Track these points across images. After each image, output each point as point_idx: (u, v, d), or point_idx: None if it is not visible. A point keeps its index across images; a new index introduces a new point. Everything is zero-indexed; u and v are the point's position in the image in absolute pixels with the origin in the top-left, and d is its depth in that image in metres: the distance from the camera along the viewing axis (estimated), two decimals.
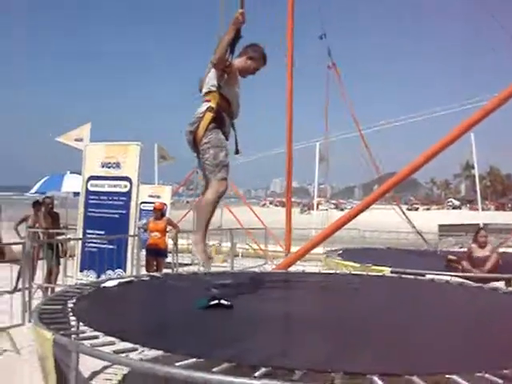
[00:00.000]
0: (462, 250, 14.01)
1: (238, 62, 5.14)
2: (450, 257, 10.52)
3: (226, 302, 4.59)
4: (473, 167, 29.36)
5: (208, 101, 5.01)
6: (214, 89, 5.02)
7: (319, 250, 12.11)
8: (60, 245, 11.11)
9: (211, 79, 5.05)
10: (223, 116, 5.04)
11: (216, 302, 4.59)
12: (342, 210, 68.52)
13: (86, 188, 10.72)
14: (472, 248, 9.78)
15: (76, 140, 14.67)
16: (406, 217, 18.57)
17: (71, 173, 17.45)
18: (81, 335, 3.62)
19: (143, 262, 11.69)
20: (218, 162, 4.90)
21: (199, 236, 5.02)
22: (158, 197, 16.74)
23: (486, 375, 2.85)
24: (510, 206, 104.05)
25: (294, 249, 11.38)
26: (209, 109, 4.96)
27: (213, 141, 4.91)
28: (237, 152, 5.22)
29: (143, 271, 11.05)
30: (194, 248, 5.11)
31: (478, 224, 22.65)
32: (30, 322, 7.12)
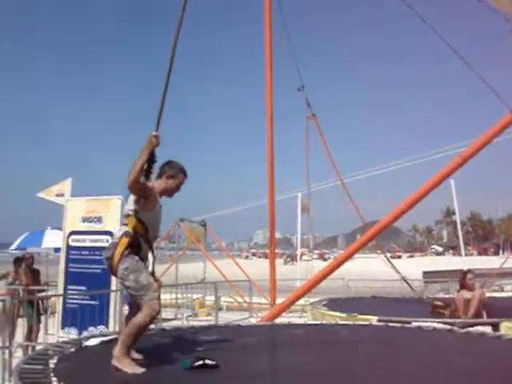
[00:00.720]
0: (447, 296, 13.98)
1: (159, 184, 5.02)
2: (436, 303, 10.47)
3: (210, 362, 4.48)
4: (454, 213, 29.60)
5: (125, 224, 4.89)
6: (131, 213, 4.87)
7: (303, 301, 12.02)
8: (41, 302, 10.90)
9: (130, 202, 4.91)
10: (140, 241, 4.87)
11: (200, 362, 4.50)
12: (325, 259, 68.49)
13: (67, 243, 10.58)
14: (461, 293, 9.63)
15: (57, 195, 14.55)
16: (392, 264, 18.59)
17: (52, 228, 17.28)
18: None
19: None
20: (141, 285, 4.72)
21: (121, 351, 4.70)
22: None
23: None
24: (492, 250, 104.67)
25: (278, 301, 11.25)
26: (125, 234, 4.82)
27: (131, 267, 4.74)
28: (152, 274, 5.00)
29: None
30: (117, 364, 4.66)
31: (461, 269, 22.71)
32: (9, 381, 6.91)
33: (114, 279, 9.92)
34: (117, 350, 4.72)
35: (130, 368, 4.62)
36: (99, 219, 10.24)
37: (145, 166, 4.77)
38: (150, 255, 5.05)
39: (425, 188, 9.12)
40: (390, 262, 18.38)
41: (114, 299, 9.90)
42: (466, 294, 9.45)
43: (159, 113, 5.20)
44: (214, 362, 4.47)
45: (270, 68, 12.28)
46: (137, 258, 4.82)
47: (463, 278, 9.84)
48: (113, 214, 10.16)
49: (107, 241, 10.00)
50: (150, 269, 5.02)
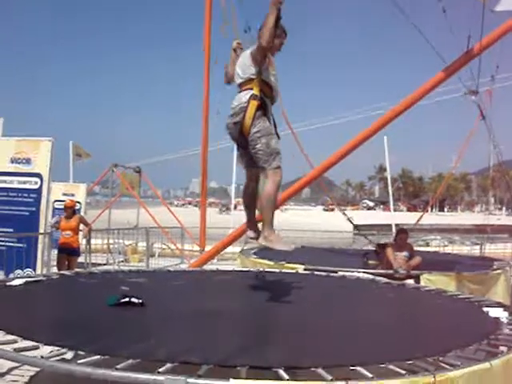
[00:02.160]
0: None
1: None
2: (381, 242, 10.65)
3: (136, 300, 4.52)
4: (386, 170, 30.21)
5: (249, 88, 4.87)
6: (253, 76, 4.88)
7: (236, 249, 12.17)
8: None
9: (247, 67, 4.92)
10: (267, 102, 4.92)
11: (127, 299, 4.53)
12: None
13: None
14: (389, 248, 9.61)
15: None
16: (347, 217, 18.94)
17: None
18: None
19: (55, 262, 11.35)
20: (271, 150, 4.77)
21: (268, 230, 4.80)
22: (73, 195, 16.30)
23: (391, 366, 2.94)
24: (421, 207, 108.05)
25: (209, 248, 11.35)
26: (252, 96, 4.82)
27: (263, 129, 4.79)
28: (277, 137, 5.03)
29: (54, 271, 10.73)
30: (269, 244, 4.82)
31: (390, 224, 23.46)
32: None
33: (42, 222, 9.80)
34: (264, 230, 4.83)
35: (281, 244, 4.84)
36: (28, 161, 9.97)
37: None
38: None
39: (356, 140, 9.29)
40: (343, 213, 18.73)
41: (42, 242, 9.76)
42: (398, 255, 9.52)
43: None
44: (140, 301, 4.51)
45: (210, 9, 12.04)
46: (267, 120, 4.88)
47: (396, 236, 9.99)
48: (42, 156, 9.91)
49: (36, 183, 9.84)
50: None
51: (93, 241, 12.87)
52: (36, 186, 9.87)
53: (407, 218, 40.02)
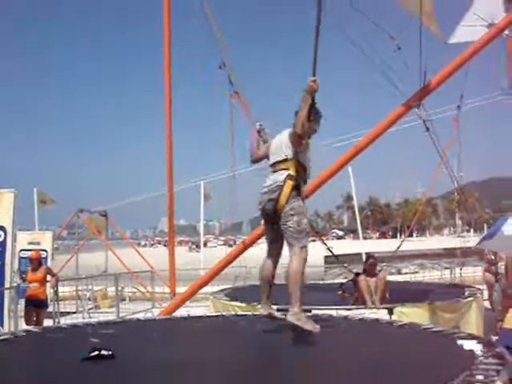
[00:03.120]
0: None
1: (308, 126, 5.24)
2: (357, 271, 10.62)
3: (106, 352, 4.45)
4: (353, 199, 30.51)
5: (285, 169, 5.17)
6: (290, 157, 5.19)
7: (208, 289, 12.04)
8: None
9: (283, 147, 5.25)
10: (300, 183, 5.21)
11: (96, 353, 4.45)
12: (230, 246, 68.95)
13: None
14: (364, 279, 9.49)
15: None
16: (327, 247, 18.87)
17: None
18: None
19: (22, 313, 11.10)
20: (302, 228, 5.07)
21: (297, 308, 5.04)
22: (38, 243, 16.00)
23: None
24: (390, 234, 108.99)
25: (182, 289, 11.22)
26: (289, 177, 5.11)
27: (296, 208, 5.06)
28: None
29: (22, 323, 10.49)
30: (296, 320, 5.02)
31: (360, 253, 23.54)
32: None
33: (8, 276, 9.61)
34: (293, 307, 5.04)
35: (310, 325, 5.03)
36: None
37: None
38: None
39: (323, 176, 9.37)
40: (324, 243, 18.69)
41: (9, 296, 9.55)
42: (369, 281, 9.51)
43: (314, 59, 5.29)
44: (109, 352, 4.45)
45: (169, 42, 11.99)
46: (301, 200, 5.18)
47: (365, 263, 9.95)
48: (5, 208, 9.79)
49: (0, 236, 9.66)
50: None
51: (61, 288, 12.66)
52: (0, 240, 9.69)
53: (377, 245, 40.40)
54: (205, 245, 29.25)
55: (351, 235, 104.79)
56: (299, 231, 5.06)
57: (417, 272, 23.03)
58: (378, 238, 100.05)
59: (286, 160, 5.23)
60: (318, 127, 5.50)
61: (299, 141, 5.19)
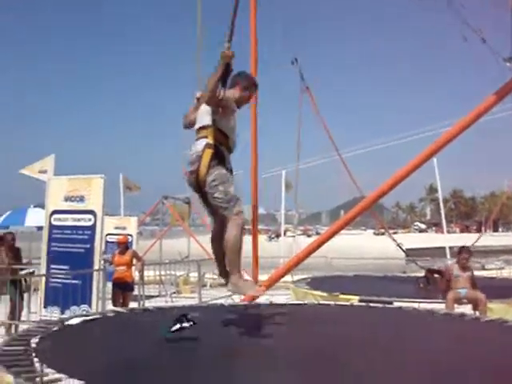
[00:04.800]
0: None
1: (232, 93, 5.02)
2: (432, 268, 10.44)
3: (187, 324, 4.53)
4: (437, 190, 29.74)
5: (204, 137, 4.90)
6: (209, 123, 4.92)
7: (288, 277, 12.09)
8: (24, 280, 10.91)
9: (204, 114, 4.97)
10: (222, 151, 4.93)
11: (178, 326, 4.54)
12: (309, 236, 68.75)
13: (50, 222, 10.53)
14: (451, 267, 9.48)
15: (40, 172, 14.50)
16: (397, 243, 18.70)
17: (34, 206, 17.18)
18: (44, 378, 3.51)
19: (109, 296, 11.51)
20: (230, 197, 4.78)
21: (236, 276, 4.86)
22: (124, 228, 16.54)
23: None
24: (474, 228, 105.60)
25: (262, 277, 11.29)
26: (207, 145, 4.85)
27: (219, 177, 4.79)
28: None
29: (109, 305, 10.87)
30: (238, 290, 4.98)
31: (443, 247, 22.96)
32: None
33: (96, 258, 9.94)
34: (231, 276, 4.87)
35: (250, 289, 4.97)
36: (81, 198, 10.17)
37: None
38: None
39: (407, 169, 9.17)
40: (393, 239, 18.50)
41: (97, 279, 9.90)
42: (457, 271, 9.29)
43: (231, 24, 5.19)
44: (191, 323, 4.54)
45: (255, 41, 12.04)
46: (223, 168, 4.89)
47: (458, 255, 9.64)
48: (95, 193, 10.10)
49: (89, 220, 10.01)
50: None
51: (145, 273, 12.99)
52: (90, 223, 10.04)
53: (461, 239, 39.18)
54: (284, 234, 29.17)
55: (434, 228, 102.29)
56: (228, 200, 4.76)
57: (502, 268, 22.15)
58: (461, 231, 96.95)
59: (204, 127, 4.94)
60: (250, 97, 5.29)
61: (216, 105, 4.85)
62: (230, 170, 5.03)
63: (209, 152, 4.81)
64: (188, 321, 4.58)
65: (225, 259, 5.10)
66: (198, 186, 4.91)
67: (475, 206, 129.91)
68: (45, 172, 14.18)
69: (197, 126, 5.04)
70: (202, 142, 4.88)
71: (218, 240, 5.15)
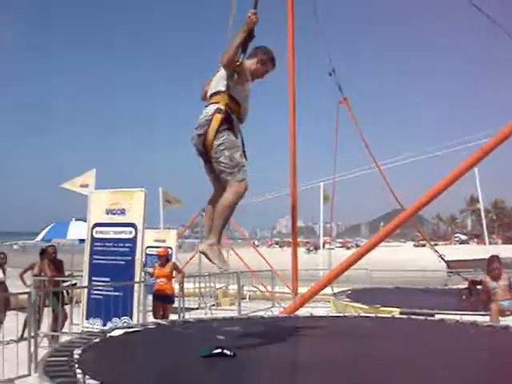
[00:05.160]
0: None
1: (249, 64, 5.00)
2: (475, 279, 10.27)
3: (228, 352, 4.51)
4: (478, 201, 29.35)
5: (216, 102, 4.86)
6: (222, 89, 4.87)
7: (328, 289, 12.01)
8: (66, 292, 11.09)
9: (220, 80, 4.92)
10: (233, 117, 4.88)
11: (219, 350, 4.53)
12: (348, 248, 68.26)
13: (92, 235, 10.68)
14: (486, 280, 9.28)
15: (81, 186, 14.75)
16: (438, 254, 18.47)
17: (76, 220, 17.45)
18: None
19: (150, 308, 11.61)
20: (236, 163, 4.72)
21: (215, 239, 4.74)
22: (164, 241, 16.68)
23: None
24: None
25: (301, 290, 11.26)
26: (217, 110, 4.78)
27: (226, 142, 4.73)
28: (244, 157, 4.96)
29: (150, 317, 10.95)
30: (208, 252, 4.72)
31: (485, 258, 22.49)
32: (35, 372, 7.02)
33: (137, 271, 10.04)
34: (211, 237, 4.77)
35: (219, 261, 4.76)
36: (122, 211, 10.30)
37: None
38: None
39: (447, 180, 9.05)
40: (435, 250, 18.27)
41: (138, 290, 9.99)
42: (490, 283, 9.11)
43: None
44: (231, 353, 4.49)
45: (292, 51, 12.07)
46: (232, 134, 4.85)
47: (488, 265, 9.45)
48: (136, 206, 10.21)
49: (130, 232, 10.12)
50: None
51: (185, 285, 13.06)
52: (131, 236, 10.15)
53: (504, 250, 38.43)
54: (323, 246, 29.06)
55: (475, 240, 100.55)
56: (232, 166, 4.68)
57: None
58: (504, 243, 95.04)
59: (217, 93, 4.87)
60: (267, 71, 5.16)
61: (231, 72, 4.78)
62: (242, 141, 5.01)
63: (218, 117, 4.76)
64: (229, 350, 4.57)
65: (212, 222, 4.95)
66: (205, 150, 4.84)
67: None
68: (86, 186, 14.42)
69: (210, 92, 4.99)
70: (213, 107, 4.84)
71: (213, 205, 5.01)
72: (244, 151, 4.99)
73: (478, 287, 9.91)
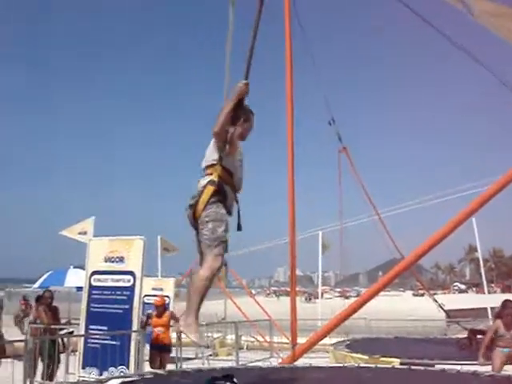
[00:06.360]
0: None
1: (236, 128, 4.97)
2: (474, 328, 10.15)
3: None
4: (476, 250, 29.28)
5: (209, 174, 4.85)
6: (214, 162, 4.87)
7: (327, 339, 11.90)
8: (61, 340, 11.00)
9: (211, 152, 4.93)
10: (225, 189, 4.86)
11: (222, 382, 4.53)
12: (347, 298, 67.79)
13: (89, 283, 10.64)
14: (497, 325, 8.86)
15: (80, 233, 14.81)
16: (438, 303, 18.40)
17: (74, 267, 17.43)
18: None
19: (147, 357, 11.48)
20: (216, 236, 4.66)
21: (191, 317, 4.62)
22: (161, 289, 16.57)
23: None
24: None
25: (300, 340, 11.15)
26: (210, 182, 4.78)
27: (212, 215, 4.69)
28: (239, 228, 4.97)
29: (147, 367, 10.82)
30: (186, 331, 4.66)
31: (485, 308, 22.39)
32: None
33: (135, 319, 9.96)
34: (187, 316, 4.65)
35: (198, 338, 4.70)
36: (121, 259, 10.27)
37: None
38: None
39: (445, 229, 9.05)
40: (434, 299, 18.22)
41: (135, 340, 9.89)
42: (501, 328, 8.71)
43: (248, 60, 5.21)
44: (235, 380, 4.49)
45: (291, 99, 12.19)
46: (222, 208, 4.80)
47: (502, 309, 9.05)
48: (135, 254, 10.19)
49: (129, 280, 10.09)
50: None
51: (183, 334, 12.94)
52: (129, 284, 10.11)
53: (503, 299, 38.19)
54: (322, 296, 28.89)
55: (474, 289, 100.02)
56: (213, 239, 4.63)
57: None
58: (503, 291, 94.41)
59: (211, 165, 4.87)
60: (248, 130, 5.10)
61: (222, 142, 4.81)
62: (238, 211, 4.99)
63: (210, 189, 4.76)
64: (232, 382, 4.56)
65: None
66: (194, 221, 4.82)
67: None
68: (85, 233, 14.47)
69: (204, 164, 5.00)
70: (207, 179, 4.84)
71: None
72: (239, 221, 5.00)
73: (478, 336, 9.83)
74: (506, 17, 6.91)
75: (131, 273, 10.14)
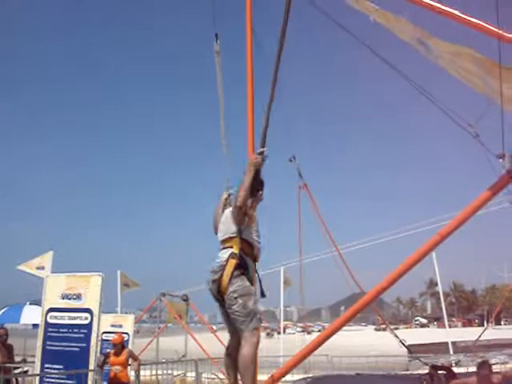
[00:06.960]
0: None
1: (253, 198, 5.04)
2: (435, 364, 10.16)
3: None
4: (437, 284, 29.65)
5: (229, 246, 4.87)
6: (233, 235, 4.89)
7: (288, 376, 11.77)
8: (15, 380, 10.67)
9: (229, 225, 4.95)
10: (246, 261, 4.88)
11: None
12: (309, 333, 67.65)
13: (46, 320, 10.35)
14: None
15: (38, 268, 14.51)
16: (399, 339, 18.40)
17: (30, 303, 16.99)
18: None
19: None
20: (248, 311, 4.70)
21: None
22: (120, 326, 16.23)
23: None
24: (477, 321, 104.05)
25: (261, 377, 11.02)
26: (231, 255, 4.80)
27: (240, 289, 4.73)
28: (262, 295, 5.04)
29: None
30: None
31: (446, 342, 22.55)
32: None
33: (92, 358, 9.72)
34: None
35: None
36: (79, 296, 10.05)
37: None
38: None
39: (406, 265, 9.06)
40: (395, 335, 18.23)
41: (92, 379, 9.64)
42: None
43: (264, 131, 5.31)
44: None
45: (252, 141, 12.27)
46: (246, 280, 4.80)
47: (478, 369, 9.03)
48: (93, 291, 9.99)
49: (86, 318, 9.86)
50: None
51: (141, 372, 12.68)
52: (86, 322, 9.88)
53: (464, 334, 38.54)
54: (284, 331, 28.71)
55: (435, 323, 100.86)
56: (246, 314, 4.67)
57: (506, 362, 21.60)
58: (464, 325, 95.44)
59: (230, 238, 4.91)
60: (262, 194, 5.21)
61: (242, 214, 4.85)
62: (259, 280, 5.06)
63: (233, 262, 4.78)
64: None
65: (236, 376, 4.99)
66: (220, 295, 4.83)
67: (476, 300, 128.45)
68: (42, 268, 14.17)
69: (222, 237, 5.02)
70: (227, 252, 4.85)
71: (233, 355, 4.99)
72: (262, 288, 5.09)
73: (440, 372, 9.84)
74: (463, 56, 7.06)
75: (89, 310, 9.92)
